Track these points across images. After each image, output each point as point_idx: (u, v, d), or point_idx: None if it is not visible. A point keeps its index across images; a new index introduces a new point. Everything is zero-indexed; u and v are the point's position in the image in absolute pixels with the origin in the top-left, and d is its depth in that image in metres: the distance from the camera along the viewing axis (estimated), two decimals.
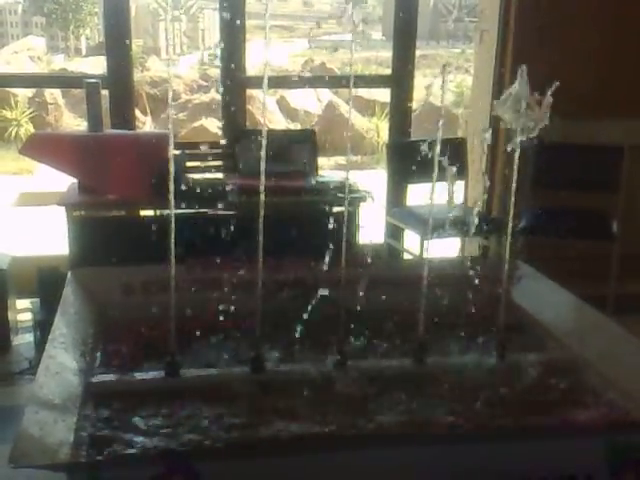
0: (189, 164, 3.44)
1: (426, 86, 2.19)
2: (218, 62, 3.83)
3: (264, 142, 1.90)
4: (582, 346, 2.16)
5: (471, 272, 2.47)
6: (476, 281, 2.51)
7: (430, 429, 1.80)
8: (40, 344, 2.71)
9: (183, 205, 2.71)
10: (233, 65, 3.60)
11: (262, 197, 1.95)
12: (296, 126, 11.01)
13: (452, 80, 13.84)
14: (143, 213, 3.31)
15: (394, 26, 3.75)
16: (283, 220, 3.00)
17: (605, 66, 3.59)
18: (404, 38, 3.74)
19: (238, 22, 3.62)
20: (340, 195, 3.22)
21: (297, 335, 1.99)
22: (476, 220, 2.37)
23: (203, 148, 3.68)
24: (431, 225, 2.27)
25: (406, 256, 3.68)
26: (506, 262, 2.18)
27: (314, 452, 1.65)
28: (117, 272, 2.43)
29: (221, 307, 2.00)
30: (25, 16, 18.44)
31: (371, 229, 3.66)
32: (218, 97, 4.04)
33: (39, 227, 5.01)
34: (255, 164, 3.59)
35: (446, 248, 3.81)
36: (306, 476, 1.63)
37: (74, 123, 11.42)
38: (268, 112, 11.78)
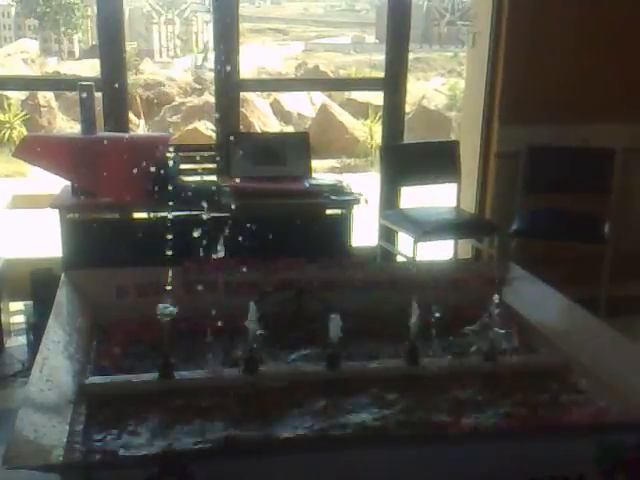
0: (182, 167, 3.44)
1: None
2: (211, 64, 3.84)
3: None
4: (573, 348, 2.18)
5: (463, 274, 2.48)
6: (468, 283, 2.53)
7: (425, 430, 1.81)
8: (33, 346, 2.70)
9: (176, 207, 2.72)
10: (227, 68, 3.60)
11: (255, 200, 1.96)
12: (290, 129, 11.02)
13: (445, 83, 13.88)
14: (136, 215, 3.31)
15: (387, 29, 3.76)
16: (276, 222, 3.01)
17: (596, 70, 3.61)
18: (397, 41, 3.75)
19: (232, 25, 3.62)
20: (334, 198, 3.23)
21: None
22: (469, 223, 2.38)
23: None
24: (424, 228, 2.29)
25: (399, 258, 3.69)
26: (498, 264, 2.19)
27: (307, 453, 1.66)
28: (110, 274, 2.43)
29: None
30: (18, 19, 18.40)
31: (365, 232, 3.68)
32: (212, 100, 4.05)
33: (32, 229, 5.00)
34: (248, 167, 3.61)
35: (439, 250, 3.83)
36: (300, 476, 1.63)
37: (67, 126, 11.40)
38: (262, 115, 11.72)
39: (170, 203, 2.13)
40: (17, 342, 3.19)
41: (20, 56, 14.70)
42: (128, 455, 1.64)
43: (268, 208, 3.13)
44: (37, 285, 3.08)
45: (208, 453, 1.66)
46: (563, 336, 2.27)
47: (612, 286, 3.41)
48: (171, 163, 3.03)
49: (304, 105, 12.20)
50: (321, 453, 1.64)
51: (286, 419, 1.82)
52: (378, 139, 7.24)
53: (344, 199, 3.24)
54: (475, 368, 2.12)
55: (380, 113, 5.05)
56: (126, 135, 3.64)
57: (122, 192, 3.12)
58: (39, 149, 3.26)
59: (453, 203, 3.75)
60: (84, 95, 3.24)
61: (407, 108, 4.06)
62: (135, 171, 3.08)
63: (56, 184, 3.36)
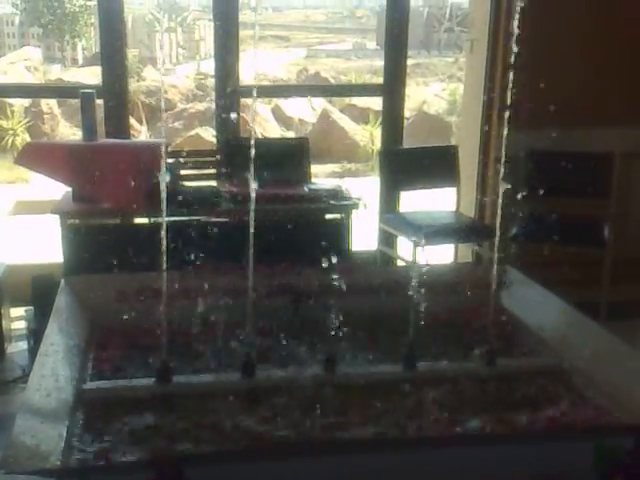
0: (183, 172, 3.46)
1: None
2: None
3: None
4: (571, 352, 2.18)
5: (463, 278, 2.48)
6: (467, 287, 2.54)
7: (425, 433, 1.81)
8: (34, 352, 2.70)
9: (177, 213, 2.74)
10: (227, 75, 3.62)
11: (254, 205, 1.97)
12: (291, 134, 11.04)
13: (445, 89, 13.91)
14: (137, 221, 3.33)
15: (386, 36, 3.78)
16: (276, 227, 3.01)
17: (595, 74, 3.62)
18: (396, 47, 3.77)
19: (232, 32, 3.64)
20: (332, 202, 3.24)
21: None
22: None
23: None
24: (424, 232, 2.29)
25: (399, 263, 3.69)
26: (498, 269, 2.20)
27: (304, 457, 1.66)
28: (109, 279, 2.44)
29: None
30: (22, 27, 18.48)
31: (365, 236, 3.68)
32: (213, 106, 4.07)
33: (34, 235, 5.01)
34: (249, 172, 3.61)
35: (439, 255, 3.83)
36: None
37: (70, 132, 11.43)
38: (263, 121, 11.70)
39: (170, 208, 2.13)
40: (18, 348, 3.21)
41: (23, 64, 14.74)
42: (125, 460, 1.64)
43: (267, 213, 3.14)
44: (38, 291, 3.10)
45: (205, 458, 1.66)
46: (561, 340, 2.27)
47: (612, 290, 3.41)
48: (170, 169, 3.05)
49: (305, 111, 12.22)
50: (312, 458, 1.64)
51: (287, 423, 1.83)
52: (378, 144, 7.25)
53: (343, 204, 3.26)
54: (474, 372, 2.12)
55: (380, 118, 5.06)
56: (127, 141, 3.66)
57: (122, 198, 3.13)
58: (40, 156, 3.29)
59: (453, 207, 3.76)
60: (85, 102, 3.27)
61: (407, 114, 4.08)
62: (135, 177, 3.10)
63: (58, 190, 3.38)
